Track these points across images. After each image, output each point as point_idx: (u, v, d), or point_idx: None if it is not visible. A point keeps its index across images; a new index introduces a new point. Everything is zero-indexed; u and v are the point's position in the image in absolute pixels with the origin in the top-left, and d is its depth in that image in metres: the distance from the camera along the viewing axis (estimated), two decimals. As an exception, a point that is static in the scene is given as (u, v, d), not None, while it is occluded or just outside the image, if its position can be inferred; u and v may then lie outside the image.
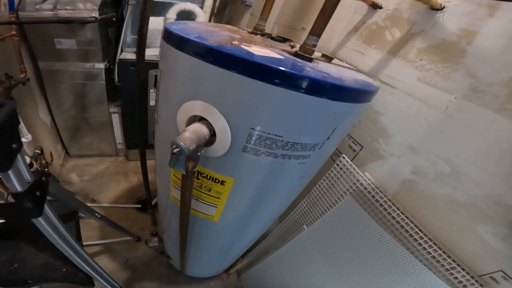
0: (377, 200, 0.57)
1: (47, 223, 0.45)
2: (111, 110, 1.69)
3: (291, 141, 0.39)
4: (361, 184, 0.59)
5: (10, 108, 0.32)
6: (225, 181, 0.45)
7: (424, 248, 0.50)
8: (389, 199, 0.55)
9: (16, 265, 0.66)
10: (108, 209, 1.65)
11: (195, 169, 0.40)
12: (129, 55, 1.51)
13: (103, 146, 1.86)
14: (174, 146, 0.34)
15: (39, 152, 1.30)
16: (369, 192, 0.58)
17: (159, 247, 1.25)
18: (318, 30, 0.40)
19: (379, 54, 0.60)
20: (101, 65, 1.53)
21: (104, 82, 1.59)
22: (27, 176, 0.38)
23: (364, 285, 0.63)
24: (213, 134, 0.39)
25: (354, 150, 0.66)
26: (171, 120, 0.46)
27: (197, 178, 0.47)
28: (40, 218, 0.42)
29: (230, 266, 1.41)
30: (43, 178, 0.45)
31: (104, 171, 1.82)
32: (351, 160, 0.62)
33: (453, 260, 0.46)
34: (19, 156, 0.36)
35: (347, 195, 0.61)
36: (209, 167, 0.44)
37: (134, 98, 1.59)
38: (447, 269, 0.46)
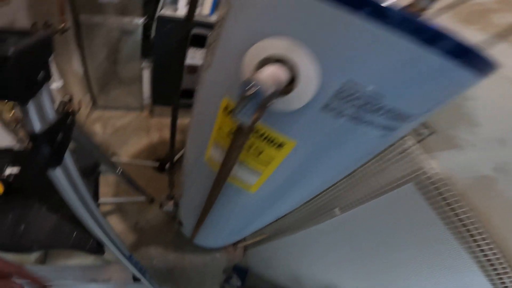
0: (440, 193, 0.50)
1: (64, 176, 0.37)
2: (142, 65, 1.67)
3: (388, 105, 0.30)
4: (425, 173, 0.52)
5: (46, 35, 0.27)
6: (283, 144, 0.38)
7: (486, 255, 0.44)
8: (457, 194, 0.48)
9: (22, 228, 0.60)
10: (125, 166, 1.65)
11: (253, 125, 0.33)
12: (168, 11, 1.45)
13: (130, 100, 1.86)
14: (248, 86, 0.26)
15: (68, 99, 1.29)
16: (433, 183, 0.51)
17: (173, 212, 1.24)
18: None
19: (481, 35, 0.50)
20: (140, 20, 1.50)
21: (140, 37, 1.57)
22: (50, 115, 0.31)
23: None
24: (290, 82, 0.30)
25: (419, 134, 0.56)
26: (230, 64, 0.38)
27: (254, 133, 0.40)
28: (57, 169, 0.34)
29: (239, 240, 1.39)
30: (68, 119, 0.38)
31: (127, 125, 1.81)
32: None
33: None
34: (44, 89, 0.29)
35: (407, 182, 0.53)
36: (269, 124, 0.37)
37: (167, 55, 1.56)
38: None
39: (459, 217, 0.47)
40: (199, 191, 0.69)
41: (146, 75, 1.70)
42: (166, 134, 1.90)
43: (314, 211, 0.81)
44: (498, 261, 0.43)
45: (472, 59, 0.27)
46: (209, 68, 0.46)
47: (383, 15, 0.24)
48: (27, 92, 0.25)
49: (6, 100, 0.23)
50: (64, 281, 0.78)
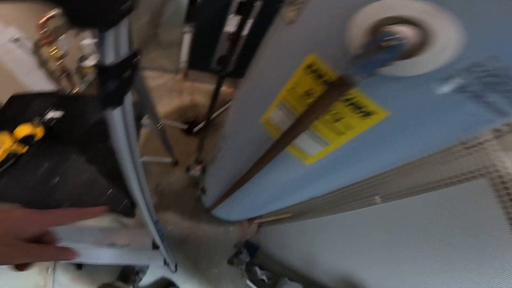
0: (508, 194, 0.45)
1: (121, 119, 0.33)
2: (185, 29, 1.64)
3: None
4: (497, 171, 0.47)
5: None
6: (373, 113, 0.34)
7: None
8: None
9: (56, 180, 0.56)
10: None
11: (354, 83, 0.29)
12: None
13: (166, 62, 1.87)
14: (387, 38, 0.22)
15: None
16: (504, 182, 0.46)
17: (198, 178, 1.26)
18: None
19: None
20: None
21: (185, 2, 1.53)
22: (123, 49, 0.28)
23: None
24: (418, 51, 0.26)
25: (498, 130, 0.50)
26: (329, 20, 0.34)
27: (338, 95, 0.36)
28: (117, 110, 0.31)
29: (256, 216, 1.41)
30: (136, 59, 0.37)
31: (161, 86, 1.84)
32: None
33: None
34: (125, 21, 0.27)
35: (476, 178, 0.48)
36: (364, 88, 0.33)
37: (211, 21, 1.51)
38: None
39: None
40: (241, 157, 0.68)
41: (187, 40, 1.68)
42: (198, 98, 1.91)
43: (350, 195, 0.78)
44: None
45: None
46: (292, 24, 0.42)
47: None
48: (111, 18, 0.23)
49: (86, 26, 0.19)
50: (82, 243, 0.77)
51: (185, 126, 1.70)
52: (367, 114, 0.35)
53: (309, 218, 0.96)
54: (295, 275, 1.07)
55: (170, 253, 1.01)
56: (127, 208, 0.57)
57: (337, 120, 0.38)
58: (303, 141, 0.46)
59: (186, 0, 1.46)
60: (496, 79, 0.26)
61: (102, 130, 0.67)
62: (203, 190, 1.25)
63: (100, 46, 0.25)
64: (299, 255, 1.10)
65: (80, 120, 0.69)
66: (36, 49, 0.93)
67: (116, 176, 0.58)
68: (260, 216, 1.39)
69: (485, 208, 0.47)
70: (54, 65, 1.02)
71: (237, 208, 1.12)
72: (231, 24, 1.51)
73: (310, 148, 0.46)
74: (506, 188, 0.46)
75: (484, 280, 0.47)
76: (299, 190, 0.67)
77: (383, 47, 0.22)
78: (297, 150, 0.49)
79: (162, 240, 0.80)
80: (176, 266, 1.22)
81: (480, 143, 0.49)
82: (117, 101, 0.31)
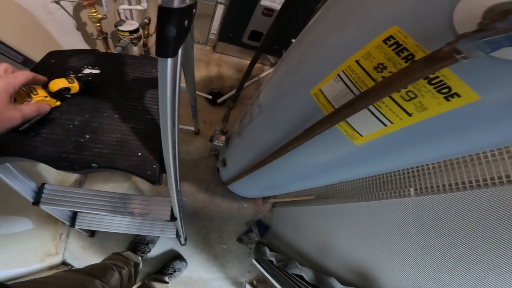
0: None
1: (172, 71, 0.32)
2: (218, 0, 1.58)
3: None
4: None
5: None
6: (458, 96, 0.31)
7: None
8: None
9: (87, 136, 0.54)
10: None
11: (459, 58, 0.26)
12: None
13: (196, 33, 1.84)
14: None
15: (146, 21, 1.28)
16: None
17: (221, 149, 1.26)
18: None
19: None
20: None
21: None
22: None
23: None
24: None
25: None
26: None
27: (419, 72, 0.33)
28: (170, 60, 0.29)
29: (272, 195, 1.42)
30: (194, 10, 0.33)
31: (189, 56, 1.82)
32: None
33: None
34: None
35: None
36: (457, 71, 0.30)
37: None
38: None
39: None
40: (278, 131, 0.66)
41: (219, 11, 1.62)
42: (224, 69, 1.88)
43: (383, 183, 0.76)
44: None
45: None
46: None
47: None
48: None
49: None
50: (101, 210, 0.77)
51: (209, 97, 1.69)
52: (454, 95, 0.32)
53: (332, 203, 0.95)
54: (305, 260, 1.09)
55: (183, 226, 1.03)
56: (155, 174, 0.54)
57: (409, 99, 0.36)
58: (360, 118, 0.43)
59: None
60: None
61: (137, 89, 0.65)
62: (224, 163, 1.26)
63: None
64: (312, 240, 1.10)
65: (116, 77, 0.68)
66: (77, 10, 0.93)
67: (147, 138, 0.56)
68: (276, 196, 1.40)
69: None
70: (92, 27, 1.02)
71: (257, 185, 1.13)
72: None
73: (366, 127, 0.44)
74: None
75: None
76: (334, 172, 0.65)
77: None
78: (349, 128, 0.46)
79: (180, 213, 0.82)
80: (186, 239, 1.27)
81: None
82: (173, 50, 0.29)
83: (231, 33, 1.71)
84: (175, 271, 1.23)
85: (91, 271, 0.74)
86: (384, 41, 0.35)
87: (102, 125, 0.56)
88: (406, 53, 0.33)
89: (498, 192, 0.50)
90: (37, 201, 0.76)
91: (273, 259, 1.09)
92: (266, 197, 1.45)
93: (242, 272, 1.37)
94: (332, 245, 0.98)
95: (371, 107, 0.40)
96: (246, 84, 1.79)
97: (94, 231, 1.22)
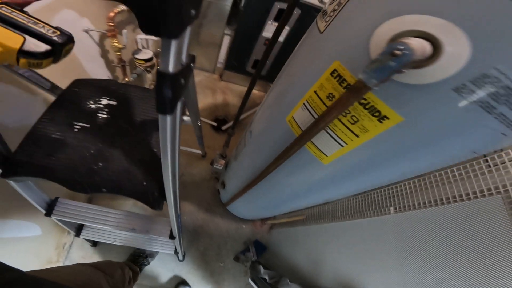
0: None
1: (171, 123, 0.35)
2: (225, 31, 1.76)
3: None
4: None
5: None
6: (387, 119, 0.38)
7: None
8: None
9: (100, 164, 0.60)
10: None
11: (375, 88, 0.33)
12: None
13: (204, 61, 2.01)
14: (397, 47, 0.27)
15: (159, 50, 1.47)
16: None
17: (221, 172, 1.34)
18: None
19: None
20: None
21: (229, 5, 1.64)
22: (184, 57, 0.30)
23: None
24: (430, 62, 0.30)
25: None
26: (354, 31, 0.39)
27: (356, 99, 0.40)
28: (168, 116, 0.33)
29: (269, 217, 1.44)
30: (190, 67, 0.37)
31: (196, 83, 1.98)
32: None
33: None
34: (189, 29, 0.29)
35: (493, 194, 0.48)
36: (381, 96, 0.37)
37: (250, 26, 1.62)
38: None
39: None
40: (263, 153, 0.73)
41: (226, 42, 1.81)
42: (230, 98, 2.03)
43: (365, 204, 0.79)
44: None
45: None
46: (322, 33, 0.48)
47: None
48: (179, 26, 0.24)
49: (154, 34, 0.24)
50: (106, 224, 0.84)
51: (214, 123, 1.81)
52: (383, 118, 0.38)
53: (321, 223, 0.97)
54: (298, 277, 1.08)
55: (182, 244, 1.08)
56: (157, 201, 0.59)
57: (354, 123, 0.43)
58: (322, 140, 0.50)
59: (229, 4, 1.58)
60: (504, 91, 0.28)
61: (147, 122, 0.71)
62: (223, 184, 1.32)
63: (164, 54, 0.26)
64: (305, 258, 1.11)
65: (130, 109, 0.74)
66: (101, 40, 1.10)
67: (151, 169, 0.61)
68: (274, 217, 1.42)
69: (498, 224, 0.47)
70: (113, 55, 1.19)
71: (252, 205, 1.18)
72: (268, 30, 1.61)
73: (328, 148, 0.50)
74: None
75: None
76: (314, 191, 0.70)
77: (393, 55, 0.26)
78: (316, 149, 0.53)
79: (179, 232, 0.86)
80: (184, 256, 1.29)
81: (502, 162, 0.49)
82: (171, 108, 0.32)
83: (236, 62, 1.89)
84: None
85: (96, 265, 0.76)
86: (331, 74, 0.43)
87: (113, 155, 0.62)
88: (345, 84, 0.41)
89: (460, 207, 0.53)
90: (49, 213, 0.82)
91: (266, 277, 1.10)
92: (264, 219, 1.47)
93: None
94: (321, 262, 0.99)
95: (329, 131, 0.48)
96: (249, 112, 1.92)
97: (97, 241, 1.26)
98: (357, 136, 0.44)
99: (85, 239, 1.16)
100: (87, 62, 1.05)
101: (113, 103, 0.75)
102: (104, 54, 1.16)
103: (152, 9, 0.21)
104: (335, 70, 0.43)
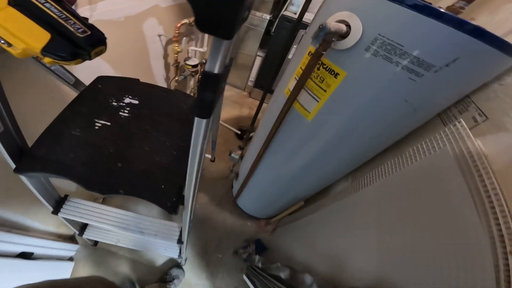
0: (476, 166, 0.57)
1: (205, 128, 0.38)
2: (258, 53, 2.22)
3: (408, 52, 0.53)
4: (467, 148, 0.59)
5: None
6: (338, 74, 0.65)
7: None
8: (491, 170, 0.55)
9: (119, 165, 0.60)
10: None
11: (323, 52, 0.62)
12: (289, 13, 1.93)
13: (236, 79, 2.47)
14: (321, 24, 0.56)
15: (204, 61, 1.95)
16: (472, 156, 0.58)
17: (236, 162, 1.61)
18: None
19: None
20: (268, 16, 2.05)
21: (263, 30, 2.12)
22: (227, 60, 0.33)
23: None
24: (347, 34, 0.59)
25: (475, 121, 0.66)
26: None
27: (318, 69, 0.69)
28: (205, 120, 0.37)
29: (272, 217, 1.61)
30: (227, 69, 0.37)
31: (227, 97, 2.44)
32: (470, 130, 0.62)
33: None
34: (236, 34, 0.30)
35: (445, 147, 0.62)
36: (331, 59, 0.64)
37: (278, 48, 2.05)
38: (505, 253, 0.46)
39: (486, 188, 0.52)
40: (268, 125, 1.01)
41: (257, 63, 2.27)
42: (254, 113, 2.41)
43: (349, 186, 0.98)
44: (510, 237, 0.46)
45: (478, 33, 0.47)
46: (306, 33, 0.80)
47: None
48: (233, 27, 0.25)
49: (210, 33, 0.26)
50: (115, 226, 0.84)
51: (238, 132, 2.17)
52: (336, 74, 0.66)
53: (317, 207, 1.13)
54: (293, 263, 1.20)
55: (187, 252, 1.12)
56: (174, 207, 0.60)
57: (322, 81, 0.70)
58: (304, 99, 0.78)
59: (263, 29, 2.03)
60: (391, 47, 0.55)
61: (167, 123, 0.75)
62: (236, 175, 1.59)
63: (213, 54, 0.28)
64: (300, 251, 1.23)
65: (150, 110, 0.76)
66: (167, 43, 1.58)
67: (170, 173, 0.63)
68: (277, 216, 1.58)
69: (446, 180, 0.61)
70: (171, 58, 1.67)
71: (257, 194, 1.40)
72: (293, 52, 2.02)
73: (309, 105, 0.77)
74: (474, 161, 0.56)
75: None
76: (304, 154, 0.93)
77: (319, 28, 0.55)
78: (300, 107, 0.80)
79: (187, 238, 0.87)
80: (186, 260, 1.33)
81: (456, 130, 0.65)
82: (209, 113, 0.35)
83: (264, 81, 2.30)
84: (173, 279, 1.32)
85: (84, 279, 0.69)
86: (308, 54, 0.73)
87: (133, 156, 0.63)
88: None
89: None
90: (56, 211, 0.81)
91: (259, 264, 1.24)
92: (268, 219, 1.64)
93: (229, 286, 1.42)
94: (313, 248, 1.10)
95: (308, 91, 0.75)
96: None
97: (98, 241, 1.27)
98: (325, 91, 0.70)
99: (87, 239, 1.16)
100: (153, 59, 1.51)
101: (135, 102, 0.76)
102: (165, 55, 1.63)
103: (211, 9, 0.23)
104: (310, 51, 0.73)
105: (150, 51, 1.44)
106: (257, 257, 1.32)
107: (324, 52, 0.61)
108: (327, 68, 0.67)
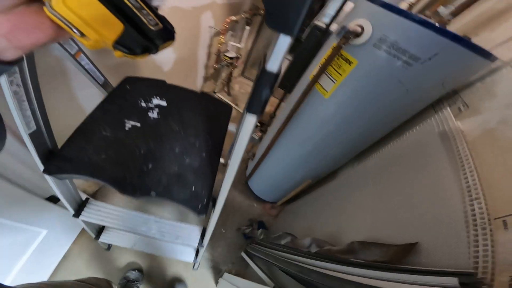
0: (453, 137, 0.77)
1: (252, 127, 0.40)
2: (286, 56, 2.56)
3: (402, 47, 0.78)
4: (448, 126, 0.81)
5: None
6: (352, 62, 0.90)
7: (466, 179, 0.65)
8: (465, 141, 0.75)
9: (150, 165, 0.61)
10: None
11: (342, 45, 0.88)
12: (320, 23, 2.22)
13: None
14: (343, 25, 0.83)
15: (239, 55, 2.27)
16: (451, 131, 0.79)
17: (255, 143, 1.85)
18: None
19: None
20: None
21: (294, 36, 2.50)
22: (282, 58, 0.35)
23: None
24: (361, 34, 0.85)
25: (460, 110, 0.87)
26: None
27: (337, 59, 0.95)
28: (256, 117, 0.38)
29: (278, 201, 1.82)
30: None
31: (252, 93, 2.79)
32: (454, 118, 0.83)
33: (482, 195, 0.59)
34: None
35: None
36: (348, 51, 0.91)
37: (305, 54, 2.35)
38: (471, 200, 0.60)
39: (459, 153, 0.71)
40: (291, 105, 1.27)
41: (284, 65, 2.58)
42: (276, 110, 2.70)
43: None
44: (475, 187, 0.62)
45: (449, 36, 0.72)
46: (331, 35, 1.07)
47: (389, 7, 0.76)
48: (299, 27, 0.30)
49: (278, 30, 0.31)
50: (137, 229, 0.85)
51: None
52: (350, 62, 0.92)
53: (324, 182, 1.34)
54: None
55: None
56: (205, 209, 0.60)
57: (339, 67, 0.96)
58: (324, 81, 1.04)
59: (294, 37, 2.36)
60: (391, 43, 0.80)
61: (196, 125, 0.77)
62: (253, 155, 1.83)
63: (276, 51, 0.32)
64: (301, 230, 1.41)
65: (179, 111, 0.79)
66: (215, 35, 1.92)
67: (201, 175, 0.64)
68: (282, 199, 1.79)
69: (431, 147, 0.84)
70: (214, 47, 2.00)
71: (269, 174, 1.62)
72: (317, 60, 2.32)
73: (327, 85, 1.03)
74: (452, 134, 0.78)
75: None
76: (319, 129, 1.18)
77: (341, 28, 0.82)
78: (321, 87, 1.06)
79: (203, 244, 0.88)
80: (199, 265, 1.33)
81: (442, 115, 0.88)
82: (262, 110, 0.37)
83: (288, 82, 2.59)
84: None
85: (87, 280, 0.71)
86: (332, 49, 1.00)
87: (164, 157, 0.64)
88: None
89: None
90: (77, 214, 0.81)
91: (261, 236, 1.44)
92: (274, 203, 1.86)
93: (226, 261, 1.55)
94: (314, 225, 1.25)
95: (328, 75, 1.01)
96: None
97: (111, 245, 1.28)
98: (341, 74, 0.96)
99: (101, 242, 1.15)
100: (201, 48, 1.85)
101: (164, 103, 0.78)
102: (210, 45, 1.97)
103: (284, 8, 0.26)
104: (333, 46, 1.00)
105: (201, 39, 1.78)
106: (259, 231, 1.53)
107: (343, 46, 0.88)
108: (344, 58, 0.93)
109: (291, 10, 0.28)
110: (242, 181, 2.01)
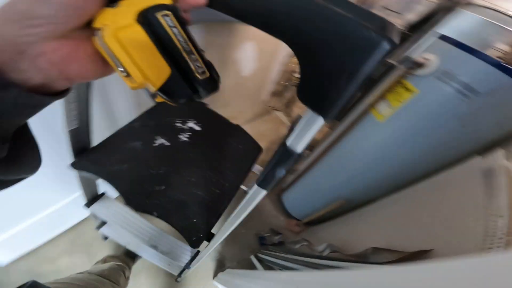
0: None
1: (261, 199, 0.42)
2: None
3: (463, 80, 0.87)
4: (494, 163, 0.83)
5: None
6: (412, 91, 1.03)
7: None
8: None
9: (162, 187, 0.66)
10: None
11: (405, 74, 1.02)
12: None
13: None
14: (407, 56, 0.98)
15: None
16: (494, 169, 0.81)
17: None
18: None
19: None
20: None
21: None
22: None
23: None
24: (423, 66, 0.97)
25: None
26: None
27: (397, 86, 1.08)
28: (265, 192, 0.40)
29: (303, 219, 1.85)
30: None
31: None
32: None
33: None
34: None
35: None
36: (409, 80, 1.02)
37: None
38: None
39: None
40: (343, 126, 1.41)
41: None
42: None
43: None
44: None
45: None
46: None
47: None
48: (336, 109, 0.26)
49: (310, 106, 0.28)
50: (136, 234, 0.89)
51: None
52: (409, 90, 1.04)
53: (355, 206, 1.38)
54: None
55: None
56: (198, 242, 0.63)
57: (397, 95, 1.09)
58: (380, 106, 1.17)
59: None
60: (452, 76, 0.90)
61: (217, 159, 0.78)
62: (294, 169, 1.94)
63: (304, 129, 0.30)
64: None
65: (207, 141, 0.80)
66: (293, 55, 2.23)
67: (206, 210, 0.67)
68: (309, 216, 1.82)
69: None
70: (289, 66, 2.30)
71: (307, 190, 1.69)
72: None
73: (383, 109, 1.15)
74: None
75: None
76: (368, 151, 1.26)
77: (406, 59, 0.97)
78: (376, 112, 1.18)
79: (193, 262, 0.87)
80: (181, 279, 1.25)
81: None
82: (271, 187, 0.38)
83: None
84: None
85: (102, 273, 0.80)
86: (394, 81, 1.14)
87: (178, 183, 0.67)
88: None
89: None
90: (89, 204, 0.85)
91: (279, 239, 1.51)
92: (299, 220, 1.90)
93: (233, 259, 1.58)
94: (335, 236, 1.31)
95: (386, 101, 1.14)
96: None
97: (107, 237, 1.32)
98: (399, 100, 1.08)
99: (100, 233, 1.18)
100: (275, 64, 2.16)
101: (197, 128, 0.81)
102: (286, 63, 2.24)
103: (325, 85, 0.24)
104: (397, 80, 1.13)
105: (278, 54, 2.09)
106: (278, 236, 1.60)
107: (405, 75, 1.02)
108: (404, 86, 1.06)
109: (334, 89, 0.24)
110: (277, 192, 2.11)
